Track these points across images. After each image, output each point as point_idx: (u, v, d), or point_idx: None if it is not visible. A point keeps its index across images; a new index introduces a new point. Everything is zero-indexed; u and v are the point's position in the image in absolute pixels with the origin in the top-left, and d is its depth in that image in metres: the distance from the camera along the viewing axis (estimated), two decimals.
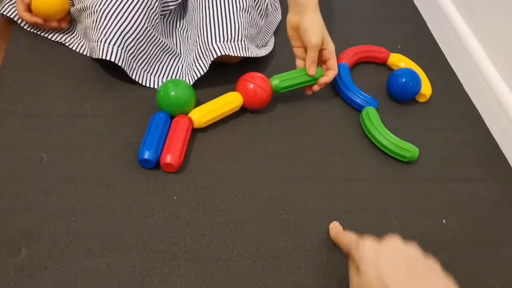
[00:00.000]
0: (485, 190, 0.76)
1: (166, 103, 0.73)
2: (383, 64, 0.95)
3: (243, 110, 0.79)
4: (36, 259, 0.58)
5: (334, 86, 0.88)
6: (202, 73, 0.78)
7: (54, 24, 0.82)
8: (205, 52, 0.78)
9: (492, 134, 0.87)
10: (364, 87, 0.87)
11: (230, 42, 0.78)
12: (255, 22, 0.84)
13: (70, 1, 0.84)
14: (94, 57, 0.74)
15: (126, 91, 0.79)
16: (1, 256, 0.57)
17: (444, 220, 0.71)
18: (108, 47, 0.73)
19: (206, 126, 0.75)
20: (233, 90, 0.79)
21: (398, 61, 0.93)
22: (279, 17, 0.97)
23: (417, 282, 0.47)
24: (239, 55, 0.78)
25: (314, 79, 0.80)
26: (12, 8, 0.84)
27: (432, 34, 1.06)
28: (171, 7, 0.84)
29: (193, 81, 0.79)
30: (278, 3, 0.99)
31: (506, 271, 0.67)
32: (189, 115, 0.74)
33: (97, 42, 0.73)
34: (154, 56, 0.80)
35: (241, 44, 0.79)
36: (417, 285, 0.47)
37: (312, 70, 0.79)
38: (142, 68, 0.79)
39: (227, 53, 0.77)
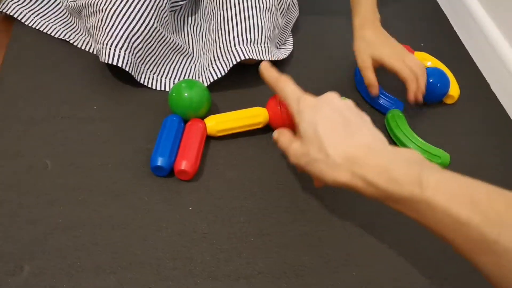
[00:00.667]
0: None
1: (179, 105, 0.68)
2: None
3: None
4: (40, 277, 0.53)
5: (357, 87, 0.82)
6: (220, 76, 0.73)
7: None
8: (225, 54, 0.73)
9: None
10: (388, 88, 0.82)
11: (253, 44, 0.73)
12: (278, 22, 0.79)
13: None
14: (100, 60, 0.69)
15: (135, 93, 0.74)
16: (2, 274, 0.52)
17: None
18: (115, 51, 0.68)
19: (220, 136, 0.70)
20: (252, 94, 0.74)
21: (423, 60, 0.88)
22: (297, 13, 0.92)
23: (350, 137, 0.49)
24: (263, 58, 0.73)
25: None
26: (15, 5, 0.79)
27: (455, 31, 1.01)
28: (181, 3, 0.79)
29: (208, 83, 0.73)
30: None
31: None
32: (205, 120, 0.69)
33: (103, 44, 0.68)
34: (164, 57, 0.75)
35: (265, 47, 0.74)
36: (350, 140, 0.48)
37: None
38: (151, 71, 0.74)
39: (250, 57, 0.72)
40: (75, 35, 0.79)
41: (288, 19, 0.87)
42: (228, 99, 0.75)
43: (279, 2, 0.79)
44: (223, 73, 0.73)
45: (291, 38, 0.88)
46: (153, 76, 0.75)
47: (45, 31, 0.79)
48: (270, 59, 0.74)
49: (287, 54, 0.82)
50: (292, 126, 0.71)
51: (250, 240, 0.60)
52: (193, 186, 0.64)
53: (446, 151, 0.73)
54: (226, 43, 0.73)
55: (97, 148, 0.66)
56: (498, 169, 0.75)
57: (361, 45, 0.75)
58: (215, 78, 0.73)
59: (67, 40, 0.79)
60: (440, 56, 0.90)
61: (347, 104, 0.53)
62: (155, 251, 0.57)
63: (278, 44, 0.83)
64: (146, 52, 0.72)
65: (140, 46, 0.70)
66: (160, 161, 0.62)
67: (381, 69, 0.85)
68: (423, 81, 0.73)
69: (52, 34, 0.79)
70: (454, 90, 0.83)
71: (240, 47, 0.72)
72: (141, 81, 0.73)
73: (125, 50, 0.68)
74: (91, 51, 0.78)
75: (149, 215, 0.60)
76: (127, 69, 0.69)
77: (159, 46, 0.73)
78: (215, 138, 0.70)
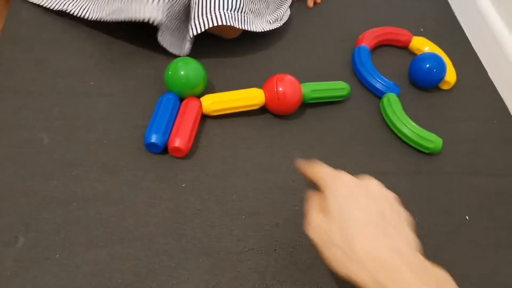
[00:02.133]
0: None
1: (175, 83, 0.68)
2: (404, 47, 0.90)
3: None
4: (34, 248, 0.54)
5: (354, 70, 0.82)
6: (195, 34, 0.72)
7: None
8: (203, 15, 0.71)
9: None
10: (385, 72, 0.82)
11: (233, 11, 0.72)
12: None
13: None
14: (125, 18, 0.68)
15: (133, 69, 0.74)
16: None
17: (467, 217, 0.67)
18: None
19: (216, 115, 0.70)
20: (249, 75, 0.74)
21: (422, 45, 0.88)
22: None
23: (382, 237, 0.43)
24: (241, 27, 0.72)
25: (343, 96, 0.76)
26: None
27: (455, 16, 1.01)
28: None
29: (187, 43, 0.73)
30: None
31: None
32: (200, 99, 0.69)
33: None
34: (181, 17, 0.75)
35: (246, 16, 0.73)
36: (381, 240, 0.43)
37: None
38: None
39: (227, 23, 0.71)
40: (73, 5, 0.78)
41: None
42: (224, 79, 0.76)
43: None
44: (197, 32, 0.71)
45: (287, 16, 0.87)
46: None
47: (42, 3, 0.78)
48: (250, 29, 0.75)
49: (272, 28, 0.81)
50: (289, 109, 0.71)
51: (242, 218, 0.61)
52: (187, 164, 0.65)
53: (441, 137, 0.73)
54: (205, 6, 0.71)
55: (93, 124, 0.66)
56: (492, 155, 0.75)
57: None
58: (193, 34, 0.72)
59: (66, 11, 0.77)
60: (438, 41, 0.90)
61: (387, 197, 0.48)
62: (147, 226, 0.58)
63: (270, 21, 0.83)
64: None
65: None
66: (154, 138, 0.63)
67: (379, 54, 0.85)
68: None
69: (50, 7, 0.78)
70: (450, 76, 0.83)
71: (220, 12, 0.71)
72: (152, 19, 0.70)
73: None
74: (90, 18, 0.76)
75: (143, 191, 0.61)
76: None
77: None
78: (211, 117, 0.71)
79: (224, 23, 0.71)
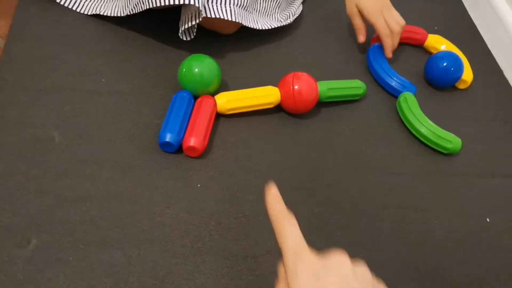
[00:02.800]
0: None
1: (189, 80, 0.67)
2: (420, 46, 0.88)
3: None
4: (47, 250, 0.52)
5: (369, 69, 0.81)
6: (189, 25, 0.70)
7: None
8: (214, 3, 0.70)
9: None
10: (400, 70, 0.81)
11: (241, 8, 0.71)
12: None
13: None
14: (137, 11, 0.67)
15: (144, 67, 0.72)
16: (9, 247, 0.52)
17: (488, 219, 0.66)
18: None
19: (231, 114, 0.69)
20: (264, 72, 0.73)
21: (437, 43, 0.86)
22: None
23: None
24: (246, 24, 0.71)
25: (359, 95, 0.75)
26: None
27: (469, 15, 0.99)
28: None
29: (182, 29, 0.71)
30: None
31: None
32: (215, 97, 0.67)
33: None
34: None
35: (251, 15, 0.72)
36: None
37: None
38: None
39: (236, 20, 0.70)
40: (80, 2, 0.77)
41: None
42: (239, 76, 0.74)
43: None
44: (207, 15, 0.69)
45: (299, 12, 0.86)
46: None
47: (73, 8, 0.77)
48: (255, 27, 0.74)
49: (279, 25, 0.80)
50: (305, 108, 0.70)
51: (259, 220, 0.59)
52: (202, 163, 0.63)
53: (458, 137, 0.72)
54: None
55: (105, 122, 0.65)
56: (510, 156, 0.74)
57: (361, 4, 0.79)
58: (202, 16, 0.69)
59: (73, 9, 0.76)
60: (452, 40, 0.89)
61: (360, 273, 0.38)
62: (163, 228, 0.56)
63: (282, 18, 0.82)
64: None
65: None
66: (168, 137, 0.61)
67: (394, 53, 0.83)
68: (397, 38, 0.79)
69: (80, 11, 0.77)
70: (467, 75, 0.82)
71: (228, 7, 0.70)
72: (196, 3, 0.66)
73: None
74: (99, 12, 0.75)
75: (157, 191, 0.59)
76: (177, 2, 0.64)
77: None
78: (224, 116, 0.69)
79: (230, 19, 0.70)
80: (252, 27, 0.74)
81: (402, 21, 0.78)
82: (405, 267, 0.59)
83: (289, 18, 0.83)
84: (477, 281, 0.60)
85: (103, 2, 0.77)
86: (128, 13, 0.71)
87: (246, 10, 0.73)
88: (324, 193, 0.64)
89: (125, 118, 0.66)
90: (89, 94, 0.68)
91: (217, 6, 0.69)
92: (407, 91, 0.76)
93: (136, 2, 0.69)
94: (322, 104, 0.74)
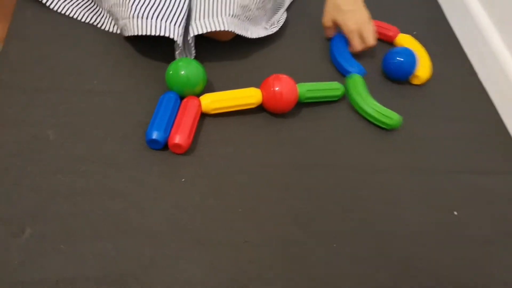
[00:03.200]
0: (499, 184, 0.75)
1: (176, 82, 0.71)
2: (390, 43, 0.94)
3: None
4: (40, 240, 0.57)
5: (330, 56, 0.88)
6: (195, 34, 0.75)
7: None
8: (204, 19, 0.75)
9: (507, 126, 0.85)
10: (368, 65, 0.86)
11: (233, 17, 0.75)
12: (262, 4, 0.82)
13: None
14: (126, 35, 0.72)
15: (136, 68, 0.77)
16: (5, 235, 0.56)
17: (455, 212, 0.70)
18: (141, 21, 0.70)
19: (216, 113, 0.73)
20: (247, 75, 0.77)
21: (406, 43, 0.92)
22: None
23: None
24: (239, 33, 0.76)
25: (337, 96, 0.79)
26: None
27: (448, 21, 1.03)
28: None
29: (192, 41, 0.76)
30: None
31: None
32: (200, 98, 0.72)
33: (128, 18, 0.70)
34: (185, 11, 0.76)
35: (243, 23, 0.76)
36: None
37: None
38: (175, 24, 0.73)
39: (227, 29, 0.74)
40: (101, 18, 0.81)
41: (279, 2, 0.90)
42: (223, 79, 0.78)
43: None
44: (196, 33, 0.74)
45: (283, 19, 0.90)
46: (176, 28, 0.73)
47: (70, 15, 0.81)
48: (245, 35, 0.78)
49: (266, 34, 0.85)
50: (285, 108, 0.74)
51: (239, 212, 0.64)
52: (188, 160, 0.68)
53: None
54: (207, 10, 0.75)
55: (98, 121, 0.69)
56: (480, 154, 0.78)
57: (328, 7, 0.87)
58: (194, 34, 0.74)
59: (93, 23, 0.81)
60: (431, 44, 0.93)
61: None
62: (150, 219, 0.61)
63: (267, 26, 0.86)
64: (168, 13, 0.73)
65: (163, 11, 0.71)
66: (155, 135, 0.65)
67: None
68: (366, 48, 0.86)
69: (78, 18, 0.81)
70: (422, 71, 0.86)
71: (222, 18, 0.74)
72: (174, 38, 0.72)
73: (151, 19, 0.70)
74: (117, 32, 0.80)
75: (145, 186, 0.64)
76: (159, 34, 0.70)
77: (178, 4, 0.74)
78: (210, 115, 0.73)
79: (223, 29, 0.74)
80: (243, 35, 0.78)
81: (375, 39, 0.86)
82: (375, 256, 0.63)
83: (274, 25, 0.88)
84: (444, 269, 0.64)
85: (99, 14, 0.81)
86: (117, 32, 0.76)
87: (238, 19, 0.77)
88: (301, 188, 0.68)
89: (116, 117, 0.70)
90: (84, 94, 0.72)
91: (210, 20, 0.74)
92: (356, 72, 0.82)
93: (121, 27, 0.74)
94: (303, 104, 0.78)
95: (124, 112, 0.71)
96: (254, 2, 0.79)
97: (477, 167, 0.76)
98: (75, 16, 0.81)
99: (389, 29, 0.93)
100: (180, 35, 0.72)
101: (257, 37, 0.81)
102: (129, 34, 0.71)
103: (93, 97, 0.71)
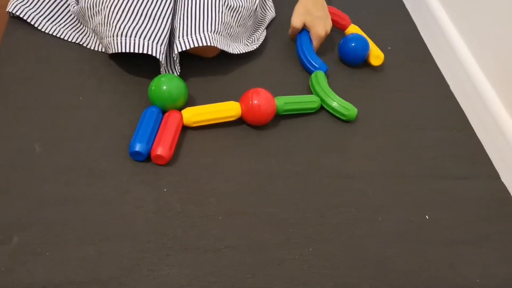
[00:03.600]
0: (469, 188, 0.78)
1: (158, 97, 0.74)
2: (342, 31, 1.01)
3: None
4: (27, 246, 0.59)
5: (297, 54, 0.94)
6: (180, 50, 0.78)
7: None
8: (187, 36, 0.79)
9: (477, 134, 0.89)
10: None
11: (215, 33, 0.79)
12: (244, 22, 0.87)
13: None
14: (110, 52, 0.75)
15: (120, 85, 0.80)
16: None
17: (427, 216, 0.73)
18: (125, 39, 0.74)
19: (196, 126, 0.77)
20: (227, 89, 0.81)
21: (355, 31, 1.00)
22: (272, 14, 1.00)
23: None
24: (222, 48, 0.80)
25: (314, 108, 0.83)
26: (27, 10, 0.84)
27: (422, 37, 1.08)
28: None
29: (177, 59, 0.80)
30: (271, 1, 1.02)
31: (487, 266, 0.69)
32: (182, 111, 0.75)
33: (113, 37, 0.74)
34: (162, 29, 0.80)
35: (225, 39, 0.80)
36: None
37: None
38: (160, 44, 0.77)
39: (210, 44, 0.78)
40: (86, 38, 0.85)
41: (259, 20, 0.95)
42: (204, 93, 0.82)
43: (249, 4, 0.87)
44: (183, 49, 0.78)
45: (263, 37, 0.95)
46: (159, 47, 0.77)
47: (57, 35, 0.84)
48: (227, 51, 0.82)
49: (247, 51, 0.89)
50: (263, 120, 0.77)
51: (219, 219, 0.66)
52: (169, 170, 0.71)
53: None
54: (190, 28, 0.79)
55: (82, 134, 0.72)
56: (452, 161, 0.82)
57: (300, 10, 0.93)
58: (178, 50, 0.78)
59: (79, 43, 0.84)
60: (407, 59, 0.98)
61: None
62: (132, 226, 0.63)
63: (248, 43, 0.91)
64: (151, 32, 0.76)
65: (146, 31, 0.75)
66: (138, 147, 0.68)
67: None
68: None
69: (65, 38, 0.85)
70: (377, 52, 0.95)
71: (205, 34, 0.78)
72: (157, 56, 0.76)
73: (134, 37, 0.74)
74: (102, 51, 0.84)
75: (128, 195, 0.66)
76: (142, 52, 0.74)
77: (162, 26, 0.78)
78: (192, 128, 0.77)
79: (207, 44, 0.78)
80: (226, 50, 0.82)
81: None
82: (351, 258, 0.66)
83: (255, 42, 0.92)
84: (417, 270, 0.67)
85: (84, 34, 0.85)
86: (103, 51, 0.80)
87: (220, 35, 0.81)
88: (279, 194, 0.71)
89: (100, 130, 0.73)
90: (69, 110, 0.75)
91: (193, 36, 0.78)
92: (319, 70, 0.89)
93: (105, 46, 0.77)
94: (282, 116, 0.82)
95: (108, 126, 0.74)
96: (235, 19, 0.84)
97: (447, 172, 0.80)
98: (61, 36, 0.85)
99: (343, 18, 1.01)
100: (162, 53, 0.76)
101: (238, 53, 0.85)
102: (113, 52, 0.75)
103: (78, 113, 0.74)
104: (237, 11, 0.84)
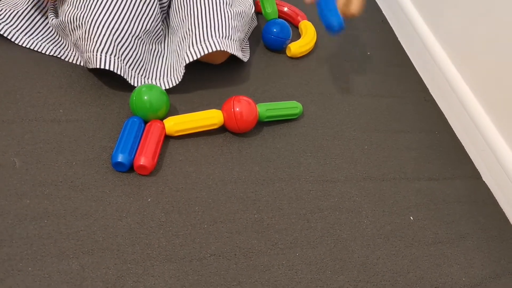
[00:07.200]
0: (451, 189, 0.79)
1: (140, 108, 0.74)
2: (296, 26, 1.04)
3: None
4: (8, 262, 0.58)
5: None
6: (193, 59, 0.78)
7: None
8: (201, 42, 0.79)
9: (457, 136, 0.90)
10: None
11: (226, 39, 0.80)
12: (244, 28, 0.87)
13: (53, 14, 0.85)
14: (90, 67, 0.75)
15: (100, 97, 0.79)
16: None
17: (411, 217, 0.74)
18: (105, 56, 0.74)
19: (179, 135, 0.76)
20: (208, 97, 0.81)
21: (305, 27, 1.02)
22: (255, 23, 1.01)
23: None
24: (234, 53, 0.80)
25: (296, 114, 0.83)
26: (3, 25, 0.83)
27: (399, 42, 1.10)
28: (164, 5, 0.85)
29: (181, 73, 0.80)
30: None
31: (471, 264, 0.70)
32: (164, 121, 0.75)
33: (92, 52, 0.74)
34: (148, 61, 0.81)
35: (236, 44, 0.81)
36: None
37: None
38: (140, 75, 0.80)
39: (223, 49, 0.78)
40: (65, 51, 0.84)
41: (248, 28, 0.96)
42: (186, 102, 0.82)
43: (249, 9, 0.88)
44: (195, 58, 0.78)
45: (248, 46, 0.95)
46: (141, 78, 0.80)
47: (35, 49, 0.84)
48: (239, 56, 0.82)
49: (246, 59, 0.89)
50: (245, 128, 0.78)
51: (204, 227, 0.66)
52: (152, 180, 0.70)
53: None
54: (202, 34, 0.79)
55: (63, 147, 0.71)
56: (433, 162, 0.83)
57: None
58: (190, 60, 0.78)
59: (58, 56, 0.84)
60: (386, 64, 0.99)
61: None
62: (115, 238, 0.62)
63: (243, 48, 0.91)
64: (133, 59, 0.78)
65: (128, 54, 0.76)
66: (120, 158, 0.68)
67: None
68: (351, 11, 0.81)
69: (43, 52, 0.84)
70: (295, 46, 0.96)
71: (216, 39, 0.79)
72: (134, 84, 0.78)
73: (115, 56, 0.75)
74: (81, 65, 0.83)
75: (111, 206, 0.65)
76: (118, 73, 0.75)
77: (144, 55, 0.79)
78: (174, 137, 0.76)
79: (218, 49, 0.78)
80: (237, 55, 0.82)
81: (359, 11, 0.80)
82: (336, 261, 0.66)
83: (246, 50, 0.93)
84: (403, 271, 0.67)
85: (63, 47, 0.85)
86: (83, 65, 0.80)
87: (231, 40, 0.81)
88: (262, 201, 0.71)
89: (81, 143, 0.72)
90: (49, 123, 0.74)
91: (202, 44, 0.78)
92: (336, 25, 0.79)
93: (85, 60, 0.77)
94: (264, 123, 0.82)
95: (88, 138, 0.73)
96: (241, 23, 0.85)
97: (429, 174, 0.81)
98: (39, 50, 0.84)
99: (297, 13, 1.04)
100: (134, 77, 0.78)
101: (245, 60, 0.87)
102: (92, 67, 0.75)
103: (58, 126, 0.73)
104: (241, 16, 0.85)
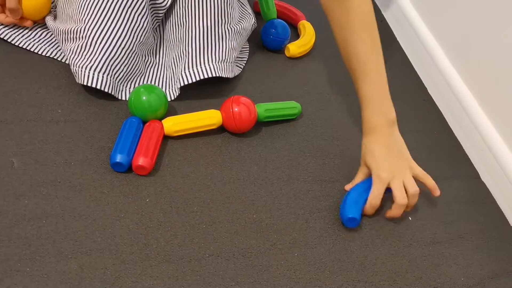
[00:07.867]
0: (450, 189, 0.79)
1: (138, 108, 0.74)
2: (295, 25, 1.05)
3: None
4: (6, 262, 0.57)
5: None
6: (186, 83, 0.79)
7: (29, 23, 0.82)
8: (196, 66, 0.79)
9: (456, 135, 0.90)
10: None
11: (222, 62, 0.80)
12: (243, 42, 0.88)
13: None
14: (77, 81, 0.75)
15: (98, 97, 0.79)
16: None
17: (410, 217, 0.74)
18: (93, 74, 0.74)
19: (178, 135, 0.76)
20: (207, 97, 0.81)
21: (303, 28, 1.02)
22: (254, 23, 1.01)
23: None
24: (226, 76, 0.81)
25: (294, 114, 0.84)
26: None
27: (398, 42, 1.10)
28: (160, 15, 0.84)
29: (176, 92, 0.81)
30: (250, 8, 1.02)
31: (470, 264, 0.70)
32: (162, 121, 0.75)
33: (82, 68, 0.74)
34: (140, 73, 0.81)
35: (231, 65, 0.82)
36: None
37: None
38: (129, 88, 0.80)
39: (219, 75, 0.79)
40: (62, 52, 0.84)
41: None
42: (185, 102, 0.82)
43: (248, 24, 0.88)
44: (190, 81, 0.79)
45: (247, 47, 0.95)
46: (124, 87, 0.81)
47: (33, 50, 0.83)
48: (231, 77, 0.83)
49: (242, 68, 0.90)
50: (244, 128, 0.77)
51: (203, 228, 0.66)
52: (151, 180, 0.70)
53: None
54: (197, 58, 0.79)
55: (61, 147, 0.71)
56: (432, 162, 0.83)
57: (368, 160, 0.73)
58: (184, 83, 0.79)
59: (54, 58, 0.83)
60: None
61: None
62: (113, 238, 0.62)
63: (239, 61, 0.92)
64: (124, 73, 0.78)
65: (119, 69, 0.77)
66: (119, 158, 0.68)
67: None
68: (410, 207, 0.72)
69: (39, 53, 0.84)
70: (293, 46, 0.96)
71: (212, 64, 0.79)
72: (121, 98, 0.79)
73: (105, 74, 0.75)
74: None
75: (109, 206, 0.65)
76: (107, 91, 0.76)
77: (136, 66, 0.80)
78: (173, 137, 0.76)
79: (214, 75, 0.79)
80: (230, 76, 0.82)
81: (416, 189, 0.70)
82: (335, 261, 0.66)
83: (244, 56, 0.93)
84: (401, 271, 0.67)
85: (60, 48, 0.85)
86: None
87: (226, 63, 0.81)
88: (261, 201, 0.71)
89: (80, 143, 0.72)
90: (47, 123, 0.74)
91: (198, 67, 0.79)
92: None
93: (73, 72, 0.77)
94: (263, 123, 0.82)
95: (87, 138, 0.73)
96: (238, 42, 0.85)
97: (428, 173, 0.80)
98: (37, 51, 0.84)
99: (295, 13, 1.05)
100: (123, 91, 0.79)
101: (234, 75, 0.86)
102: (79, 82, 0.75)
103: (56, 126, 0.73)
104: (240, 34, 0.85)
